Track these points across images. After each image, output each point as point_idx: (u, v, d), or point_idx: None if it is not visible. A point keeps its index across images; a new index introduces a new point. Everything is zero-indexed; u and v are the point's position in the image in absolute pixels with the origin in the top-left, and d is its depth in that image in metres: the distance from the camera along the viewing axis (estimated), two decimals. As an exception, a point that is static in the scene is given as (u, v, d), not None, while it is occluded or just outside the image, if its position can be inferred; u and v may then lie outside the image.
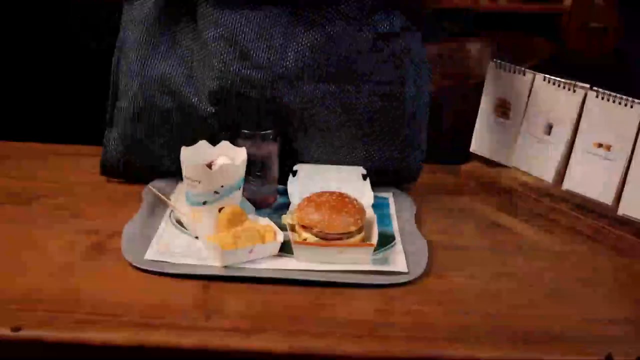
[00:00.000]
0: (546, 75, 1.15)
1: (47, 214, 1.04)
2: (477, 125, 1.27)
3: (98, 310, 0.81)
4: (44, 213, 1.05)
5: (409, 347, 0.79)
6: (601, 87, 1.09)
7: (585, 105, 1.10)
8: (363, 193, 1.09)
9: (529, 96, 1.18)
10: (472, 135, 1.28)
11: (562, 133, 1.13)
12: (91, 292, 0.85)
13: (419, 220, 1.09)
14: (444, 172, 1.30)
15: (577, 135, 1.11)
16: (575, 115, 1.11)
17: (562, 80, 1.12)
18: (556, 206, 1.14)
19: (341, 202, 0.98)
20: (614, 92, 1.07)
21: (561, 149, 1.13)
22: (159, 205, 1.07)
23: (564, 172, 1.13)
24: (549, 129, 1.15)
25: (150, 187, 1.10)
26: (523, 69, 1.18)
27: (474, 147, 1.28)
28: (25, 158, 1.24)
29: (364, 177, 1.15)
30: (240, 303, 0.86)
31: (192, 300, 0.85)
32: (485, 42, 2.44)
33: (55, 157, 1.25)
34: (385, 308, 0.87)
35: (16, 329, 0.75)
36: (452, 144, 1.38)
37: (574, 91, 1.11)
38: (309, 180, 1.12)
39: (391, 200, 1.15)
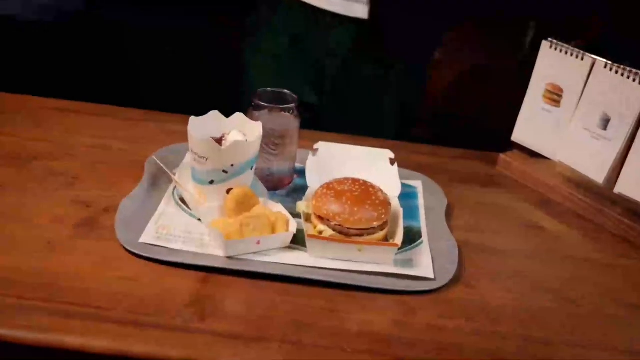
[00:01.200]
0: (608, 62, 1.01)
1: (40, 179, 0.94)
2: (521, 111, 1.14)
3: (78, 300, 0.72)
4: (36, 178, 0.95)
5: (429, 372, 0.69)
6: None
7: (651, 100, 0.96)
8: (390, 180, 0.98)
9: (585, 83, 1.04)
10: (515, 121, 1.15)
11: (620, 129, 1.00)
12: (74, 278, 0.76)
13: (449, 214, 0.98)
14: (481, 160, 1.17)
15: (638, 133, 0.98)
16: (638, 111, 0.97)
17: (628, 68, 0.98)
18: (605, 210, 1.01)
19: (365, 192, 0.87)
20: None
21: (618, 147, 1.00)
22: (163, 178, 0.97)
23: (618, 174, 1.00)
24: (606, 122, 1.02)
25: (154, 157, 0.99)
26: (582, 51, 1.04)
27: (516, 135, 1.15)
28: (23, 113, 1.13)
29: (392, 161, 1.03)
30: (240, 302, 0.76)
31: (188, 295, 0.75)
32: (519, 23, 2.27)
33: (56, 114, 1.14)
34: (405, 320, 0.76)
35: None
36: (491, 130, 1.25)
37: (640, 82, 0.97)
38: (330, 161, 1.01)
39: (420, 190, 1.04)
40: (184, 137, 1.04)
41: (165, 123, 1.16)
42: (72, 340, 0.67)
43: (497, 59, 1.90)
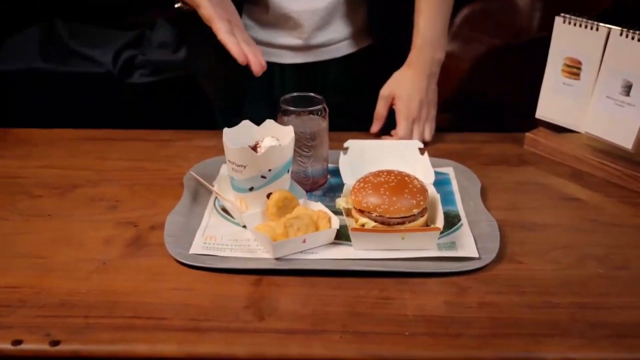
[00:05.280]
0: (623, 29, 1.02)
1: (84, 205, 0.97)
2: (542, 88, 1.15)
3: (140, 313, 0.75)
4: (80, 205, 0.98)
5: (489, 348, 0.70)
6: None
7: (671, 61, 0.97)
8: (422, 169, 1.00)
9: (603, 53, 1.06)
10: (537, 99, 1.16)
11: (643, 93, 1.01)
12: (131, 294, 0.78)
13: (484, 196, 0.99)
14: (508, 141, 1.18)
15: (662, 95, 0.99)
16: (659, 73, 0.99)
17: (643, 33, 1.00)
18: (637, 175, 1.02)
19: (401, 182, 0.88)
20: None
21: (643, 111, 1.01)
22: (202, 192, 0.99)
23: (646, 137, 1.01)
24: (628, 89, 1.03)
25: (191, 172, 1.02)
26: (595, 23, 1.06)
27: (540, 113, 1.16)
28: (57, 145, 1.17)
29: (421, 151, 1.05)
30: (296, 300, 0.78)
31: (244, 298, 0.77)
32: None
33: (89, 143, 1.18)
34: (457, 300, 0.77)
35: (54, 342, 0.69)
36: (514, 109, 1.26)
37: (658, 45, 0.98)
38: (361, 158, 1.03)
39: (452, 176, 1.05)
40: (214, 151, 1.08)
41: (193, 140, 1.18)
42: (141, 348, 0.69)
43: (509, 40, 1.91)
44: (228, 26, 0.96)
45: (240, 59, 0.94)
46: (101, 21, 1.72)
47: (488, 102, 1.83)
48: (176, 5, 1.03)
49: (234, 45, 0.95)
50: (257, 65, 0.95)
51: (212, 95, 1.31)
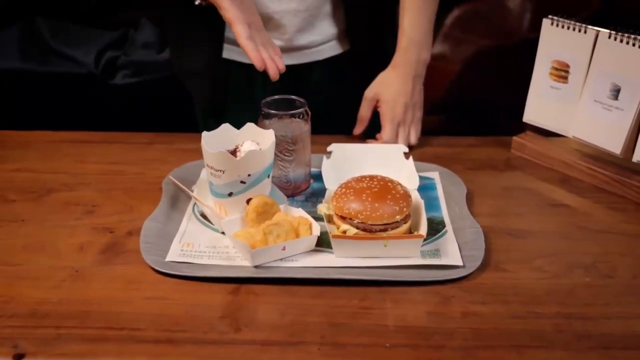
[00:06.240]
0: (612, 32, 1.00)
1: (59, 210, 0.95)
2: (530, 91, 1.13)
3: (112, 324, 0.72)
4: (55, 209, 0.95)
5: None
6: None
7: (660, 65, 0.96)
8: (406, 174, 0.97)
9: (591, 56, 1.04)
10: (524, 102, 1.14)
11: (632, 97, 0.99)
12: (105, 302, 0.76)
13: (470, 201, 0.97)
14: (495, 145, 1.17)
15: (651, 100, 0.97)
16: (647, 77, 0.97)
17: (632, 36, 0.98)
18: (626, 180, 1.00)
19: (384, 187, 0.86)
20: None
21: (631, 115, 0.99)
22: (181, 197, 0.97)
23: (635, 142, 0.99)
24: (616, 93, 1.01)
25: (170, 177, 0.99)
26: (584, 25, 1.04)
27: (527, 116, 1.14)
28: (34, 148, 1.14)
29: (406, 155, 1.03)
30: (274, 309, 0.75)
31: (220, 308, 0.75)
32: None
33: (66, 146, 1.15)
34: (440, 310, 0.75)
35: (18, 356, 0.66)
36: (501, 112, 1.24)
37: (646, 49, 0.97)
38: (345, 162, 1.01)
39: (437, 181, 1.03)
40: (194, 155, 1.06)
41: (173, 143, 1.16)
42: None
43: (499, 42, 1.89)
44: (248, 30, 0.97)
45: (258, 64, 0.96)
46: (84, 20, 1.69)
47: (479, 104, 1.82)
48: (196, 2, 1.05)
49: (253, 52, 0.96)
50: (274, 70, 0.97)
51: (196, 96, 1.29)
